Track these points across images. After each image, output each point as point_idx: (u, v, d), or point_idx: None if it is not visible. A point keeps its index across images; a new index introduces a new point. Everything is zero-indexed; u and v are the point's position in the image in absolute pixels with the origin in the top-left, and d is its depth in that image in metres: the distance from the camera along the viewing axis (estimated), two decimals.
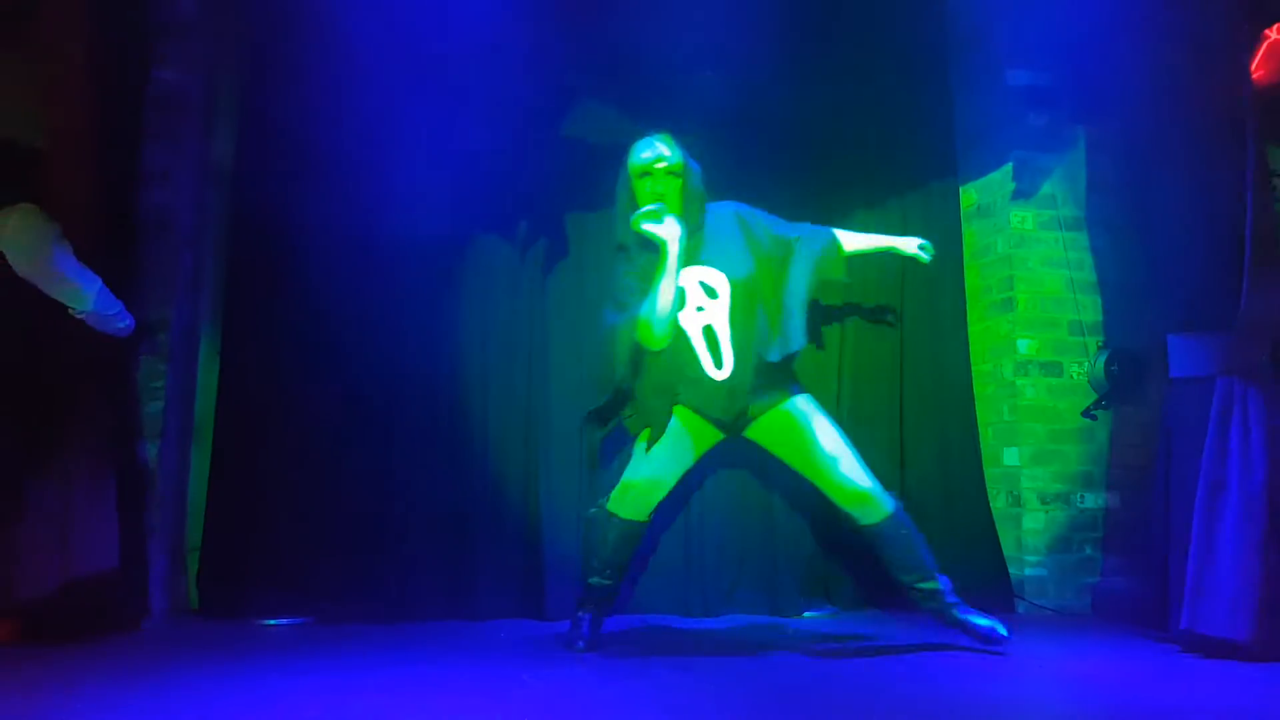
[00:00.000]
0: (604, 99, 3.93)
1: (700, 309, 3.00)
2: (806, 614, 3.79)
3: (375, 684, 2.50)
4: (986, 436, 4.13)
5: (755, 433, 3.09)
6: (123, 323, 3.23)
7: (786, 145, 4.02)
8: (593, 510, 3.17)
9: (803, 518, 3.85)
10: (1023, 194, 4.09)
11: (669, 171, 3.00)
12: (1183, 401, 3.28)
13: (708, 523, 3.80)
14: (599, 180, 3.85)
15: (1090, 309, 4.13)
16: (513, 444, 3.75)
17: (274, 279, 3.70)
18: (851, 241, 3.23)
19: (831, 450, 2.97)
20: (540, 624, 3.54)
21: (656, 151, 3.02)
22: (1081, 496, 4.04)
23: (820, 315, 3.91)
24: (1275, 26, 4.29)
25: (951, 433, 4.04)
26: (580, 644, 3.05)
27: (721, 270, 3.02)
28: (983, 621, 2.95)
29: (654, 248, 2.92)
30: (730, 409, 2.99)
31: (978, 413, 4.11)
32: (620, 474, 3.10)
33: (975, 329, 4.24)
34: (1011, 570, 3.95)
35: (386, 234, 3.73)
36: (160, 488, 3.50)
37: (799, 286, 3.06)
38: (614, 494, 3.09)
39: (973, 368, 4.16)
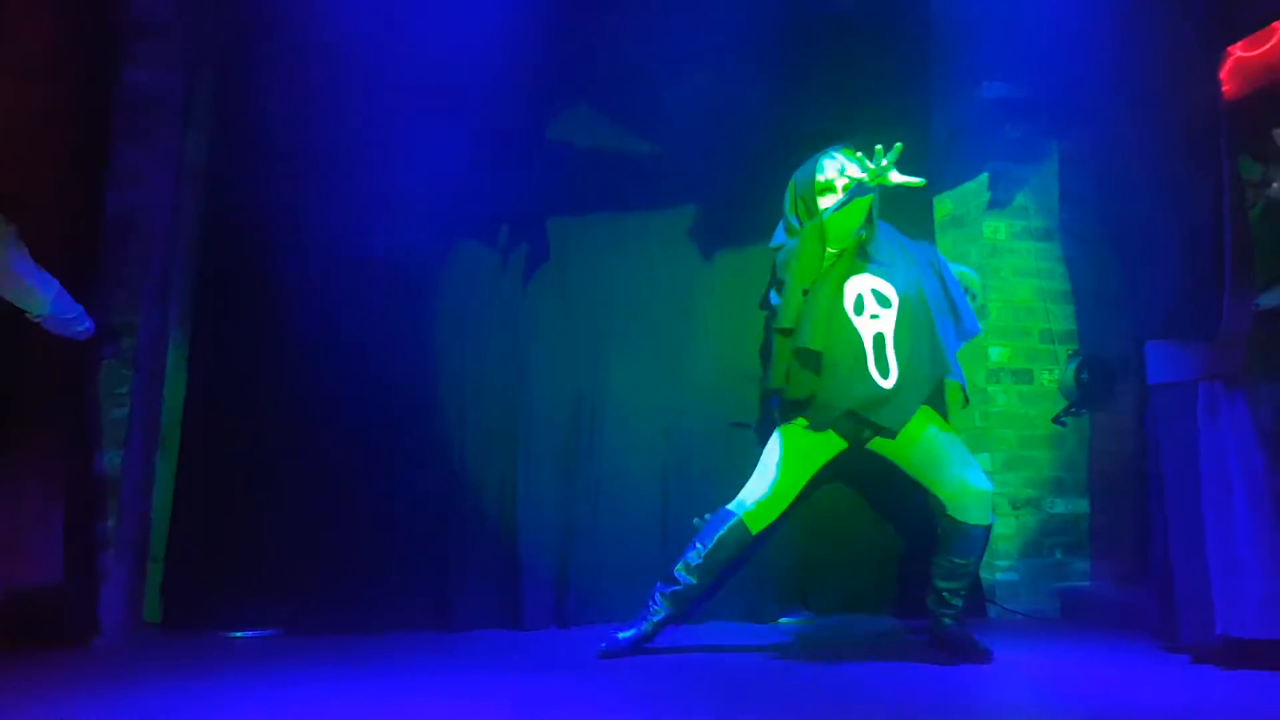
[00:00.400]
0: (589, 102, 3.90)
1: (875, 316, 3.06)
2: (783, 620, 3.79)
3: (348, 697, 2.45)
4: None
5: (885, 444, 3.15)
6: (81, 326, 3.13)
7: (766, 153, 4.01)
8: (718, 515, 3.19)
9: (781, 522, 3.85)
10: (997, 204, 4.15)
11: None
12: (1167, 407, 3.33)
13: (685, 527, 3.78)
14: (582, 185, 3.86)
15: (1060, 318, 4.20)
16: (491, 452, 3.69)
17: (247, 284, 3.60)
18: None
19: (963, 456, 3.13)
20: (517, 634, 3.49)
21: (839, 164, 3.12)
22: (1052, 502, 4.11)
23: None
24: (1240, 44, 4.44)
25: None
26: (605, 646, 3.08)
27: (891, 283, 3.09)
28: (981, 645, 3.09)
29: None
30: (893, 418, 3.03)
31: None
32: (750, 483, 3.17)
33: None
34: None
35: (363, 238, 3.66)
36: (123, 496, 3.38)
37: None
38: (755, 509, 3.15)
39: None
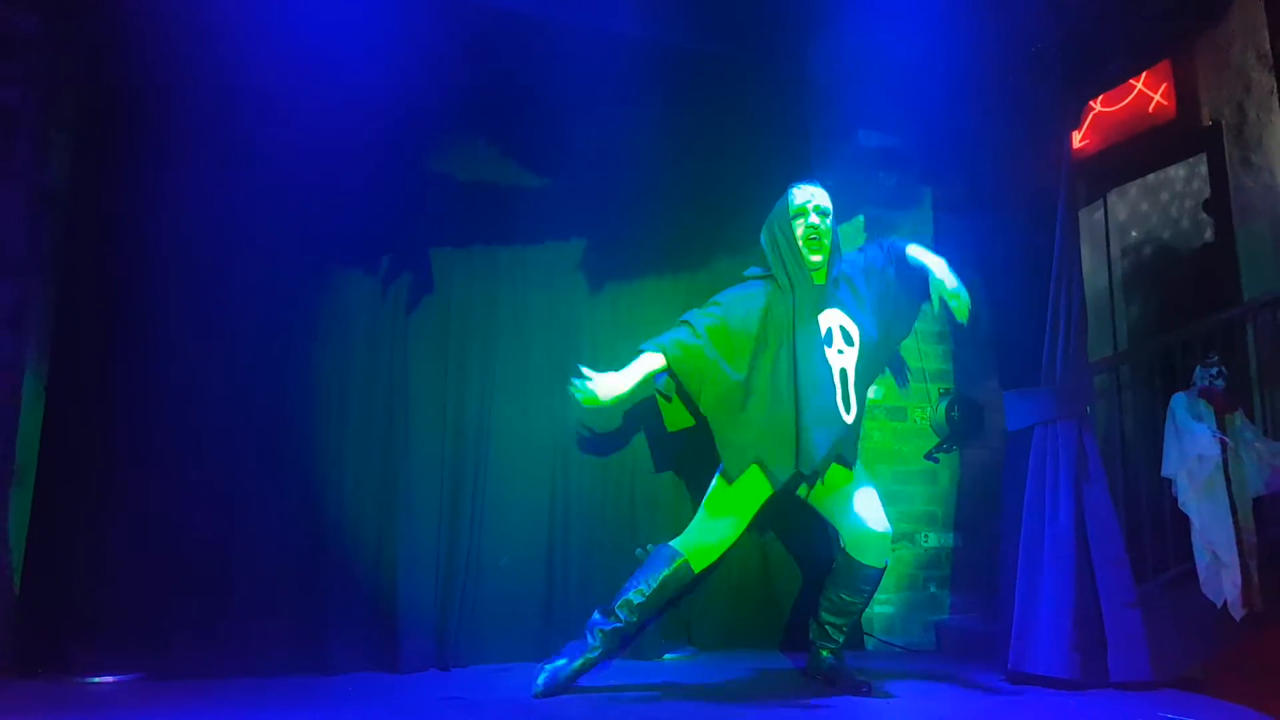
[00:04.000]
0: (474, 134, 3.90)
1: (841, 352, 3.14)
2: (667, 656, 3.80)
3: None
4: None
5: (816, 491, 3.19)
6: None
7: (650, 191, 4.10)
8: (661, 552, 3.19)
9: (703, 577, 3.88)
10: None
11: (820, 209, 3.24)
12: (1014, 452, 3.53)
13: (571, 564, 3.78)
14: (467, 217, 3.85)
15: (933, 357, 4.37)
16: (369, 488, 3.61)
17: (111, 313, 3.44)
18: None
19: (871, 499, 3.18)
20: (395, 677, 3.41)
21: (809, 193, 3.27)
22: (926, 536, 4.25)
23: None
24: (1099, 99, 4.73)
25: None
26: (543, 684, 3.04)
27: (854, 320, 3.20)
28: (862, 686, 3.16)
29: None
30: (850, 451, 3.11)
31: None
32: (697, 522, 3.19)
33: None
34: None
35: (234, 267, 3.54)
36: None
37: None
38: (695, 549, 3.15)
39: None
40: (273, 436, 3.52)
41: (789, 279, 3.21)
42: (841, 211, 4.39)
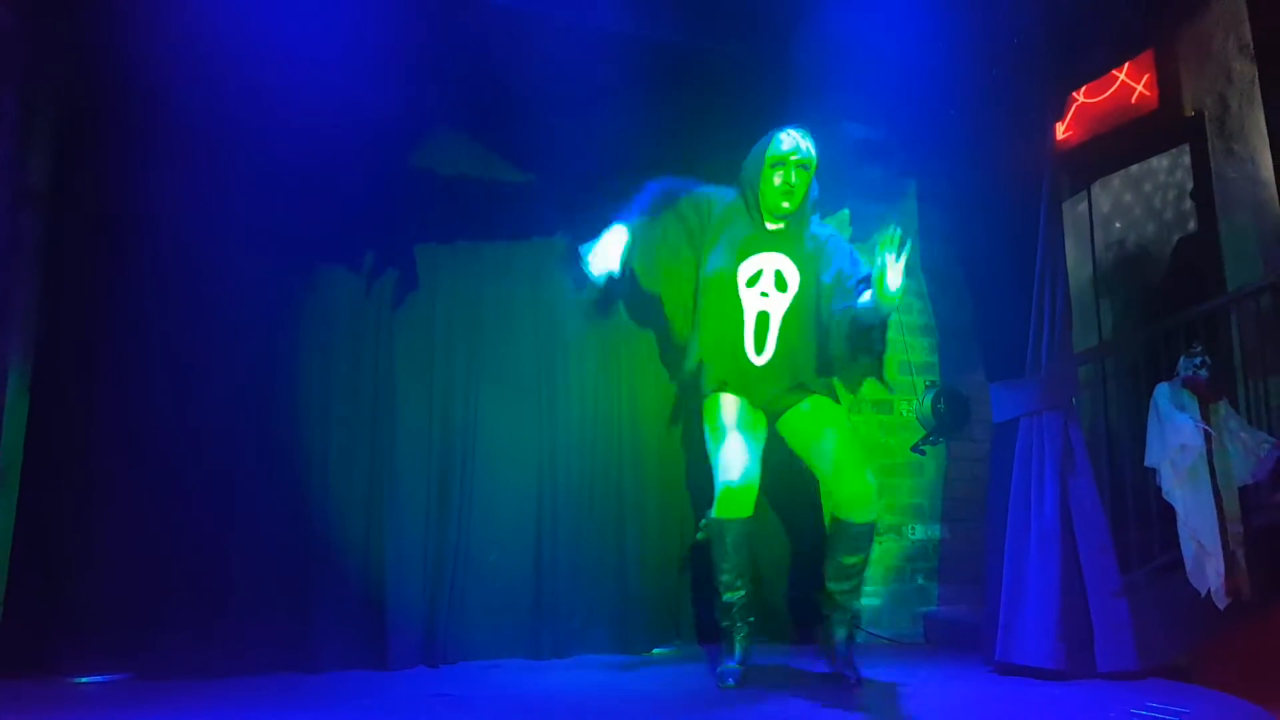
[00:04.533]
0: (457, 130, 3.89)
1: (765, 294, 3.13)
2: (655, 651, 3.81)
3: None
4: None
5: (784, 424, 3.21)
6: None
7: (634, 184, 4.06)
8: (701, 528, 3.25)
9: (655, 552, 3.89)
10: (857, 241, 4.30)
11: (800, 164, 3.17)
12: (1000, 444, 3.54)
13: (559, 560, 3.77)
14: (452, 213, 3.83)
15: (918, 350, 4.38)
16: (356, 485, 3.60)
17: (95, 311, 3.42)
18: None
19: (847, 449, 3.14)
20: (383, 674, 3.40)
21: (795, 143, 3.18)
22: (913, 528, 4.27)
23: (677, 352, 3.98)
24: (1082, 90, 4.74)
25: (793, 466, 4.17)
26: (731, 679, 3.05)
27: (799, 269, 3.16)
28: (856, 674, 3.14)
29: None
30: (758, 395, 3.11)
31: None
32: (715, 483, 3.16)
33: None
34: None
35: (221, 265, 3.52)
36: None
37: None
38: (717, 503, 3.13)
39: None
40: (258, 434, 3.51)
41: (748, 212, 3.25)
42: (827, 204, 4.39)
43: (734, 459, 3.11)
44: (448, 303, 3.78)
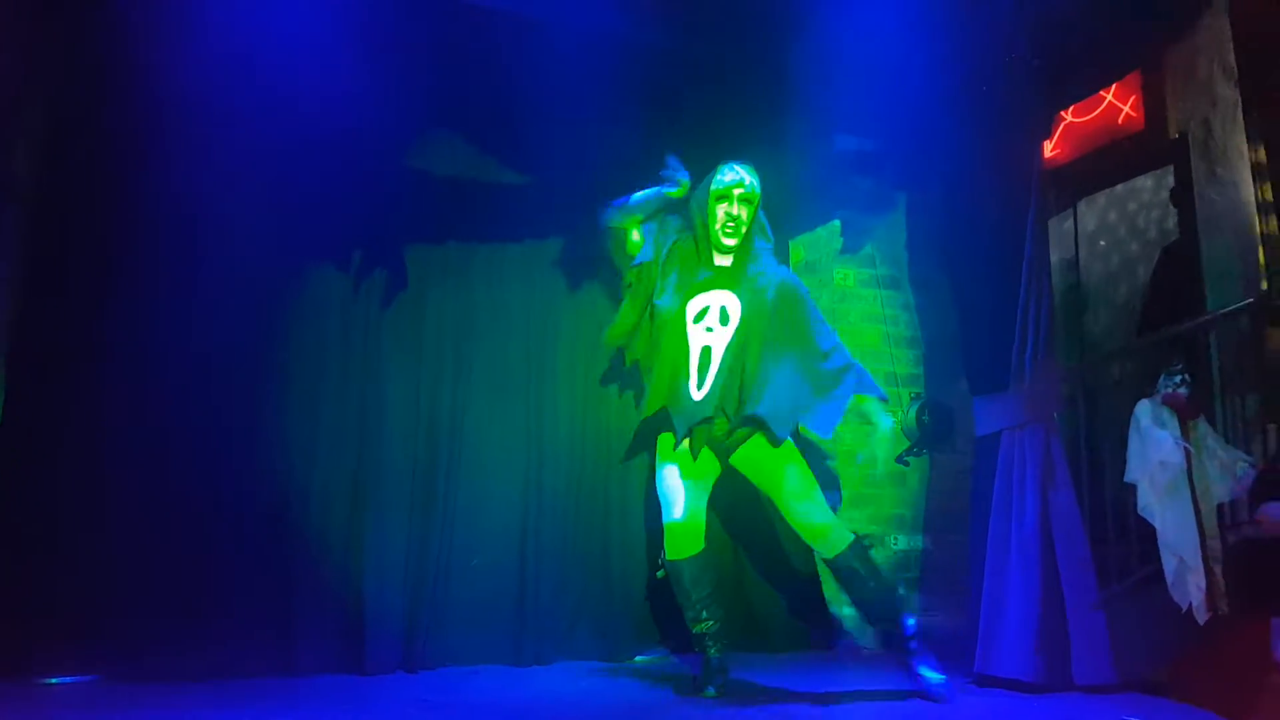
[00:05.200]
0: (451, 132, 3.88)
1: (710, 329, 3.12)
2: (639, 658, 3.80)
3: None
4: None
5: (738, 460, 3.18)
6: None
7: (627, 189, 4.07)
8: (660, 570, 3.25)
9: (639, 559, 3.88)
10: (847, 251, 4.34)
11: (744, 198, 3.18)
12: (983, 456, 3.56)
13: (544, 566, 3.76)
14: (442, 213, 3.82)
15: (904, 361, 4.41)
16: (339, 490, 3.58)
17: (77, 310, 3.38)
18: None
19: (797, 486, 3.11)
20: (361, 679, 3.37)
21: (738, 176, 3.21)
22: (895, 538, 4.29)
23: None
24: (1070, 109, 4.79)
25: None
26: (711, 688, 3.07)
27: (743, 304, 3.14)
28: (932, 676, 3.05)
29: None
30: (701, 431, 3.08)
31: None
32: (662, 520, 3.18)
33: None
34: (832, 609, 4.11)
35: (207, 263, 3.50)
36: None
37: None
38: (667, 543, 3.15)
39: None
40: (242, 435, 3.48)
41: (695, 248, 3.25)
42: (817, 214, 4.46)
43: (677, 497, 3.14)
44: (438, 305, 3.77)
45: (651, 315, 3.22)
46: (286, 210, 3.61)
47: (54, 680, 3.15)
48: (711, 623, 3.18)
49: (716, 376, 3.09)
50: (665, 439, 3.18)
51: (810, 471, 3.20)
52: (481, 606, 3.65)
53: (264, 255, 3.57)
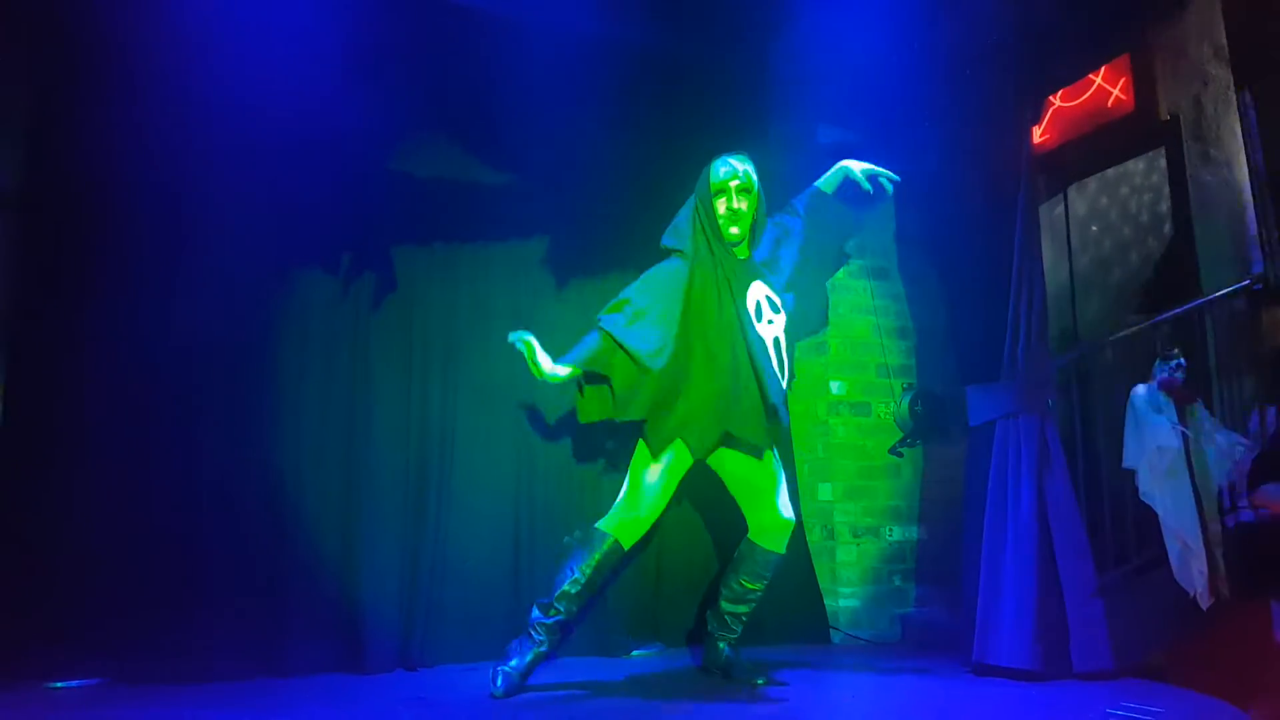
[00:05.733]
0: (436, 132, 3.88)
1: (771, 322, 3.17)
2: (635, 652, 3.81)
3: None
4: (803, 472, 4.30)
5: (718, 455, 3.18)
6: None
7: (612, 188, 4.09)
8: (591, 536, 3.17)
9: (634, 555, 3.87)
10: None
11: (742, 189, 3.21)
12: (977, 446, 3.55)
13: (538, 562, 3.76)
14: (429, 214, 3.82)
15: (895, 352, 4.40)
16: (331, 491, 3.57)
17: (69, 313, 3.39)
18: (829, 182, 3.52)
19: (779, 483, 3.20)
20: (359, 678, 3.38)
21: (733, 168, 3.24)
22: (890, 530, 4.28)
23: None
24: (1059, 94, 4.77)
25: None
26: (502, 686, 3.01)
27: (778, 292, 3.23)
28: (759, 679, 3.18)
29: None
30: (776, 423, 3.10)
31: (794, 450, 4.27)
32: (621, 499, 3.17)
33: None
34: (827, 602, 4.11)
35: (194, 266, 3.49)
36: None
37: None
38: (622, 525, 3.13)
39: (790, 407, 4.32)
40: (234, 438, 3.49)
41: (713, 254, 3.21)
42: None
43: (656, 500, 3.16)
44: (424, 305, 3.77)
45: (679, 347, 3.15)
46: (271, 213, 3.60)
47: (57, 685, 3.15)
48: (573, 615, 3.15)
49: (789, 362, 3.19)
50: (676, 447, 3.12)
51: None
52: (477, 603, 3.65)
53: (249, 259, 3.56)
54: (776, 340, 3.16)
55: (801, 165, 4.45)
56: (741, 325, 3.10)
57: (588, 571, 3.09)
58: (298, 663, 3.38)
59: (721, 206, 3.21)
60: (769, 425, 3.09)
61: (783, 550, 3.22)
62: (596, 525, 3.18)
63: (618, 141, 4.10)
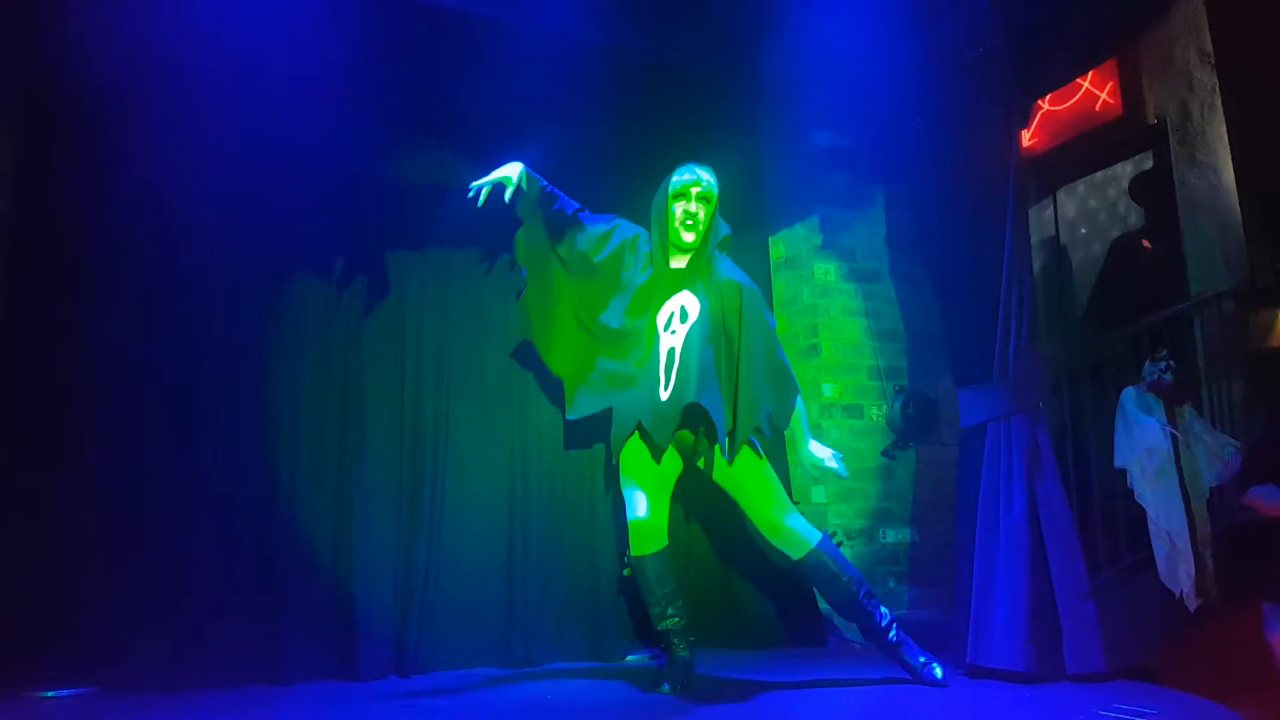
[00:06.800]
0: (428, 137, 3.88)
1: (673, 332, 3.17)
2: (630, 658, 3.80)
3: None
4: (796, 475, 4.31)
5: (704, 463, 3.22)
6: None
7: (607, 193, 4.07)
8: (625, 567, 3.38)
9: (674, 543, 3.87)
10: (827, 246, 4.34)
11: (701, 196, 3.23)
12: (968, 448, 3.57)
13: (531, 568, 3.76)
14: (420, 220, 3.81)
15: (887, 355, 4.42)
16: (325, 496, 3.56)
17: (59, 318, 3.36)
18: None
19: (766, 487, 3.18)
20: (354, 685, 3.37)
21: (695, 175, 3.26)
22: (884, 532, 4.29)
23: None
24: (1047, 98, 4.80)
25: None
26: (667, 685, 3.11)
27: (706, 304, 3.18)
28: (926, 663, 3.16)
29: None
30: (661, 432, 3.09)
31: (788, 452, 4.28)
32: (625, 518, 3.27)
33: None
34: (821, 605, 4.10)
35: (187, 271, 3.48)
36: None
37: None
38: (631, 539, 3.23)
39: None
40: (226, 444, 3.47)
41: (660, 257, 3.27)
42: (796, 210, 4.47)
43: (639, 497, 3.22)
44: (417, 310, 3.77)
45: (593, 331, 3.29)
46: (264, 217, 3.59)
47: (50, 694, 3.12)
48: (677, 619, 3.23)
49: (679, 373, 3.11)
50: (628, 446, 3.22)
51: (774, 472, 3.24)
52: (471, 609, 3.65)
53: (241, 264, 3.55)
54: (671, 351, 3.16)
55: (794, 168, 4.49)
56: (651, 336, 3.19)
57: (654, 588, 3.22)
58: (291, 670, 3.36)
59: (679, 210, 3.24)
60: (677, 428, 3.11)
61: (800, 552, 3.15)
62: (629, 552, 3.28)
63: (608, 145, 4.11)
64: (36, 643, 3.17)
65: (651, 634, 3.88)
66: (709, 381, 3.07)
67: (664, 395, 3.11)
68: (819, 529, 3.23)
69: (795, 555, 3.16)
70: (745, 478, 3.17)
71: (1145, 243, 4.73)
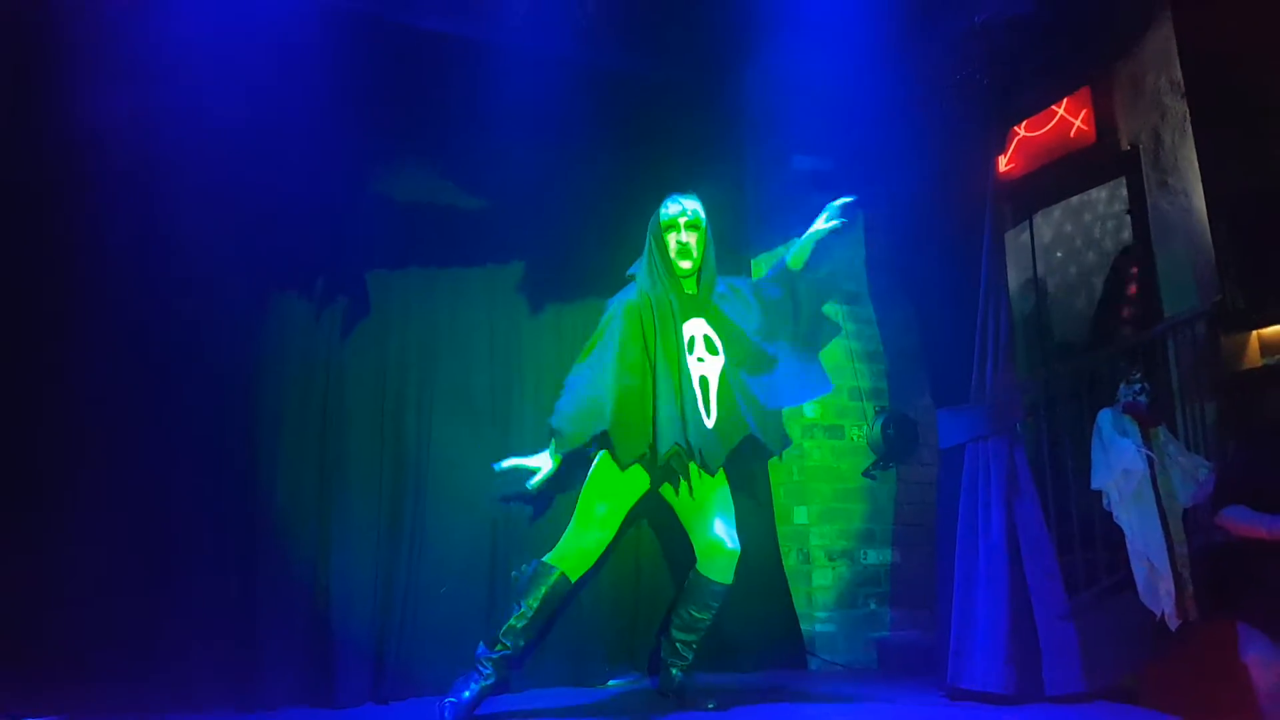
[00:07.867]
0: (412, 156, 3.88)
1: (701, 360, 3.25)
2: (612, 681, 3.78)
3: None
4: (779, 495, 4.32)
5: (671, 490, 3.29)
6: None
7: (590, 214, 4.10)
8: (535, 569, 3.22)
9: (611, 582, 3.86)
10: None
11: (690, 224, 3.34)
12: (948, 469, 3.59)
13: (512, 589, 3.72)
14: (405, 238, 3.82)
15: (867, 376, 4.44)
16: (303, 517, 3.52)
17: (36, 339, 3.31)
18: (797, 258, 3.53)
19: (727, 514, 3.29)
20: (331, 713, 3.32)
21: (682, 207, 3.37)
22: (865, 553, 4.30)
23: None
24: (1023, 124, 4.88)
25: (749, 492, 4.16)
26: (449, 718, 3.01)
27: (720, 335, 3.29)
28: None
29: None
30: (715, 456, 3.15)
31: (770, 474, 4.29)
32: (568, 531, 3.26)
33: None
34: (803, 627, 4.11)
35: (167, 289, 3.45)
36: None
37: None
38: (568, 556, 3.20)
39: None
40: (204, 464, 3.43)
41: (662, 286, 3.34)
42: (776, 233, 4.49)
43: (602, 530, 3.24)
44: (400, 327, 3.75)
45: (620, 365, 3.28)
46: (248, 236, 3.57)
47: None
48: (522, 649, 3.18)
49: (720, 404, 3.22)
50: (628, 471, 3.24)
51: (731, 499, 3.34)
52: (451, 634, 3.59)
53: (225, 280, 3.53)
54: (704, 379, 3.25)
55: (776, 192, 4.51)
56: (679, 357, 3.22)
57: (534, 605, 3.14)
58: (267, 696, 3.32)
59: (672, 241, 3.35)
60: (690, 454, 3.15)
61: (729, 580, 3.29)
62: (544, 559, 3.24)
63: (593, 167, 4.12)
64: (8, 669, 3.10)
65: (634, 658, 3.88)
66: (752, 411, 3.23)
67: (708, 422, 3.18)
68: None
69: (725, 580, 3.29)
70: (713, 496, 3.28)
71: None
